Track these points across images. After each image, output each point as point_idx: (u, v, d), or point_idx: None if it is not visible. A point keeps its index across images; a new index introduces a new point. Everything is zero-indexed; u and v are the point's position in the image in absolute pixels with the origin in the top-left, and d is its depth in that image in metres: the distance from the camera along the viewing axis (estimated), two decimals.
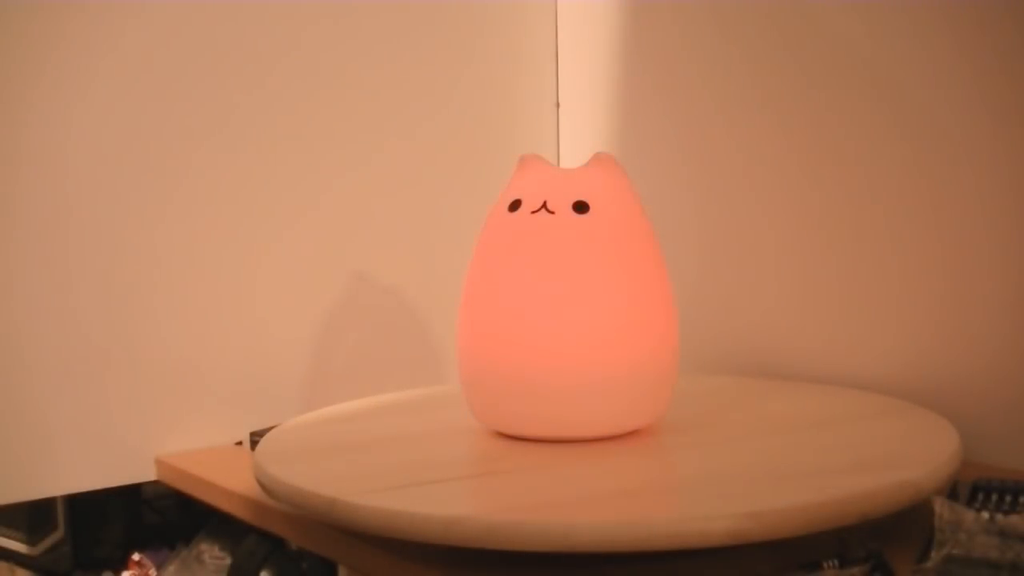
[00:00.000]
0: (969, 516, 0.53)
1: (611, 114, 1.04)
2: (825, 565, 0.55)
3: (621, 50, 1.03)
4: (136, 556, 0.87)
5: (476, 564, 0.56)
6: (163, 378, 0.87)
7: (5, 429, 0.80)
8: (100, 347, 0.84)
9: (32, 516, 0.91)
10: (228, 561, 0.84)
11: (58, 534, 0.92)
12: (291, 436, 0.74)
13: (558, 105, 1.09)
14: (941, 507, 0.53)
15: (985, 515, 0.54)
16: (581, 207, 0.66)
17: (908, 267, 0.81)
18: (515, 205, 0.68)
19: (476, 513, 0.54)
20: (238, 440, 0.89)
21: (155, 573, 0.86)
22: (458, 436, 0.72)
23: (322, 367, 0.95)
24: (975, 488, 0.61)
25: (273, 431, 0.76)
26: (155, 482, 0.87)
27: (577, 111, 1.08)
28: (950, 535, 0.52)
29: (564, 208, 0.66)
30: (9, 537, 0.93)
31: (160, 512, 0.97)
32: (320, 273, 0.95)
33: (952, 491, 0.61)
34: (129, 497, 0.92)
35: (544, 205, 0.67)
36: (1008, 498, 0.59)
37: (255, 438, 0.79)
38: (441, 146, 1.02)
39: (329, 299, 0.95)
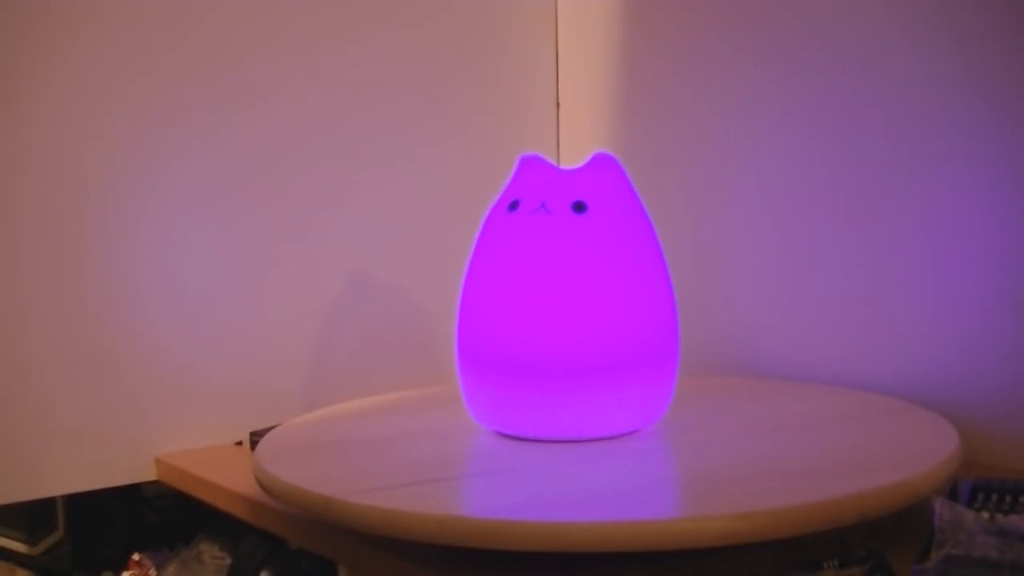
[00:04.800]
0: (969, 516, 0.52)
1: (611, 114, 1.04)
2: (825, 565, 0.55)
3: (621, 50, 1.03)
4: (136, 556, 0.87)
5: (474, 564, 0.56)
6: (163, 378, 0.87)
7: (5, 429, 0.80)
8: (100, 347, 0.84)
9: (32, 516, 0.91)
10: (228, 561, 0.84)
11: (58, 534, 0.92)
12: (291, 436, 0.74)
13: (558, 105, 1.09)
14: (941, 507, 0.53)
15: (985, 515, 0.54)
16: (580, 207, 0.66)
17: (908, 267, 0.80)
18: (514, 205, 0.68)
19: (472, 513, 0.54)
20: (238, 440, 0.89)
21: (155, 573, 0.86)
22: (457, 436, 0.71)
23: (322, 367, 0.95)
24: (975, 488, 0.61)
25: (273, 431, 0.76)
26: (155, 482, 0.87)
27: (577, 111, 1.08)
28: (950, 535, 0.52)
29: (562, 208, 0.66)
30: (9, 537, 0.93)
31: (160, 512, 0.97)
32: (320, 273, 0.95)
33: (952, 491, 0.61)
34: (129, 497, 0.92)
35: (542, 205, 0.67)
36: (1008, 498, 0.59)
37: (255, 438, 0.79)
38: (441, 146, 1.02)
39: (329, 299, 0.95)
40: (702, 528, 0.50)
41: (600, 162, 0.69)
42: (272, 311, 0.92)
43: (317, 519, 0.60)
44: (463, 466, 0.67)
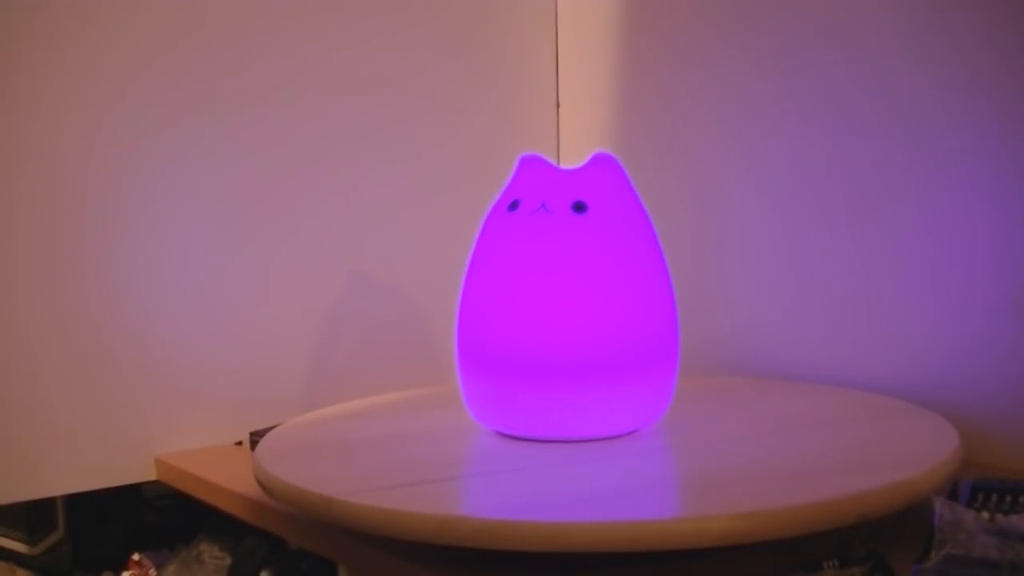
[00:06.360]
0: (969, 516, 0.52)
1: (611, 114, 1.04)
2: (825, 565, 0.55)
3: (621, 50, 1.03)
4: (136, 556, 0.87)
5: (474, 564, 0.56)
6: (163, 378, 0.87)
7: (5, 429, 0.80)
8: (100, 347, 0.84)
9: (32, 516, 0.91)
10: (228, 561, 0.84)
11: (58, 534, 0.92)
12: (291, 436, 0.74)
13: (558, 105, 1.09)
14: (941, 507, 0.53)
15: (985, 515, 0.54)
16: (580, 207, 0.66)
17: (908, 267, 0.80)
18: (514, 205, 0.68)
19: (472, 513, 0.54)
20: (238, 440, 0.89)
21: (155, 573, 0.86)
22: (457, 436, 0.71)
23: (322, 367, 0.95)
24: (975, 488, 0.61)
25: (273, 431, 0.76)
26: (155, 482, 0.87)
27: (577, 111, 1.08)
28: (950, 535, 0.52)
29: (562, 208, 0.66)
30: (9, 537, 0.93)
31: (160, 512, 0.97)
32: (320, 273, 0.95)
33: (952, 491, 0.61)
34: (129, 497, 0.92)
35: (542, 205, 0.67)
36: (1008, 498, 0.59)
37: (255, 438, 0.79)
38: (441, 146, 1.02)
39: (329, 299, 0.95)
40: (702, 528, 0.50)
41: (600, 162, 0.69)
42: (272, 311, 0.92)
43: (317, 519, 0.60)
44: (463, 466, 0.67)
